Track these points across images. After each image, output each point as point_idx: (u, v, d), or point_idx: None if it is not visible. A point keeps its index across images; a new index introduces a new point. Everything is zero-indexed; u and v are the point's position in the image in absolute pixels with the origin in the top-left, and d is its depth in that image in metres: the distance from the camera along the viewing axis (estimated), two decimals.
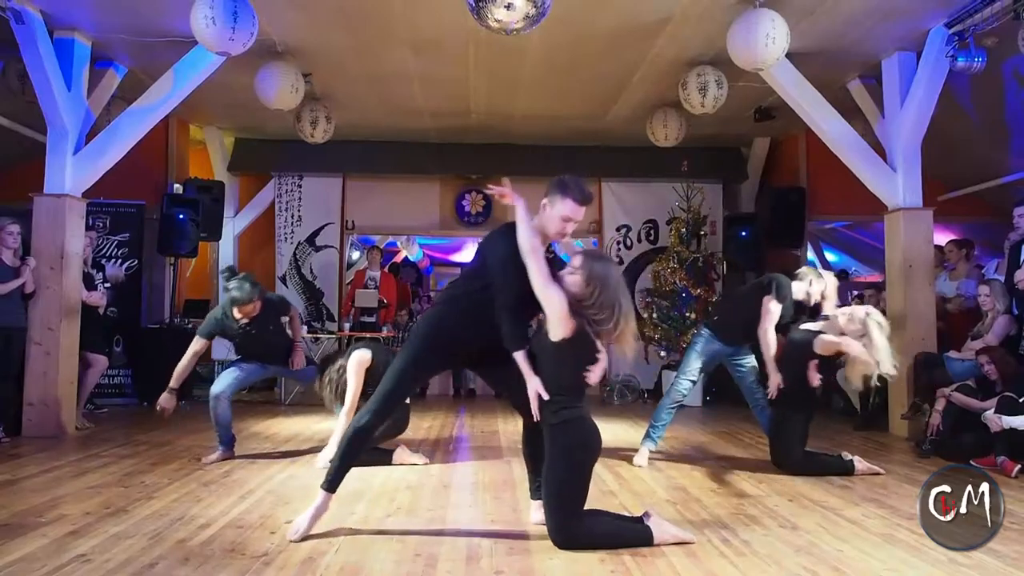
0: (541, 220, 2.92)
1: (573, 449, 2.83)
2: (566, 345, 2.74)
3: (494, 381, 3.46)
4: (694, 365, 4.63)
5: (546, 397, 2.81)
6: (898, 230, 5.89)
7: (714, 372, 5.67)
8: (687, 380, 4.62)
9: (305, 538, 2.92)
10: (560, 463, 2.83)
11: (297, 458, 4.64)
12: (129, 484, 3.85)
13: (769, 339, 4.38)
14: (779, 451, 4.34)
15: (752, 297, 4.56)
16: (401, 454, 4.50)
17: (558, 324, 2.72)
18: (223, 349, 7.68)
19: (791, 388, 4.27)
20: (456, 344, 3.04)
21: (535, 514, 3.20)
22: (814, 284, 4.50)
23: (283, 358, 4.84)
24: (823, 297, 4.51)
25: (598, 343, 2.79)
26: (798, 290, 4.50)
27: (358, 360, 4.35)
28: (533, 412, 2.87)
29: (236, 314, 4.53)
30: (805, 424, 4.31)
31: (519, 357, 2.85)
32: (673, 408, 4.64)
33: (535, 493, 3.22)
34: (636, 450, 4.65)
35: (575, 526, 2.84)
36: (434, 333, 3.04)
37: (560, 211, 2.87)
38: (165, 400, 4.44)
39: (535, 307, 2.82)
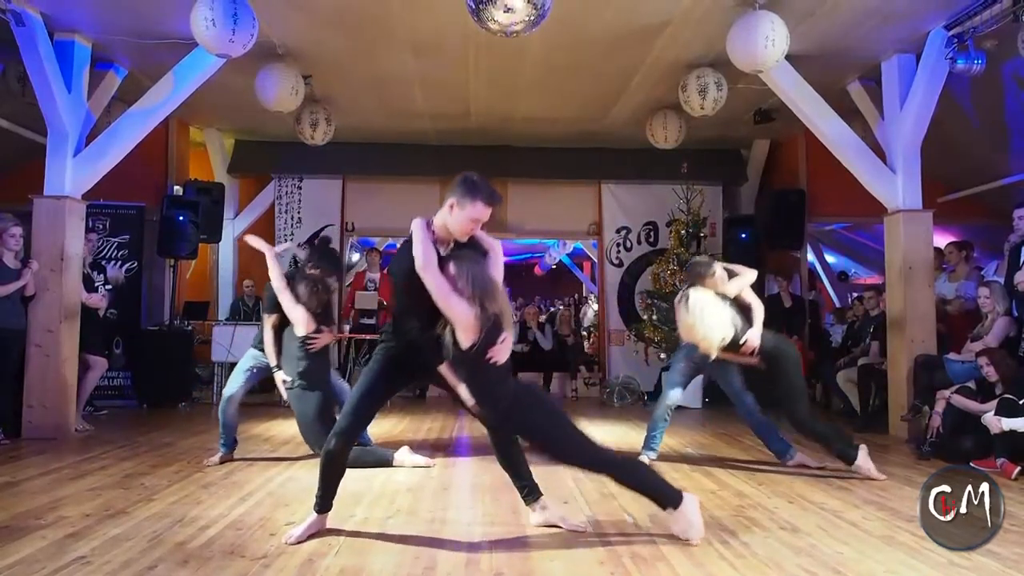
0: (447, 220, 2.85)
1: (535, 421, 2.88)
2: (479, 349, 2.74)
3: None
4: (681, 374, 4.66)
5: (472, 405, 2.84)
6: (898, 232, 5.89)
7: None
8: (676, 389, 4.64)
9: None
10: (542, 432, 2.89)
11: (297, 460, 4.63)
12: (129, 486, 3.85)
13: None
14: (786, 411, 4.30)
15: None
16: (403, 456, 4.49)
17: (465, 332, 2.72)
18: (222, 350, 7.69)
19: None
20: (405, 368, 3.04)
21: (534, 516, 3.20)
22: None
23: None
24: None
25: (502, 327, 2.79)
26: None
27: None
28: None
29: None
30: (793, 380, 4.26)
31: (443, 370, 2.90)
32: (668, 417, 4.66)
33: (527, 499, 3.22)
34: (637, 454, 4.64)
35: (600, 452, 2.91)
36: (385, 360, 3.04)
37: (469, 213, 2.81)
38: (326, 336, 4.58)
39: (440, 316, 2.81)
